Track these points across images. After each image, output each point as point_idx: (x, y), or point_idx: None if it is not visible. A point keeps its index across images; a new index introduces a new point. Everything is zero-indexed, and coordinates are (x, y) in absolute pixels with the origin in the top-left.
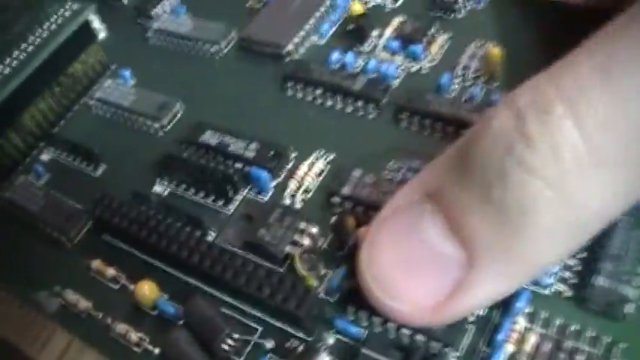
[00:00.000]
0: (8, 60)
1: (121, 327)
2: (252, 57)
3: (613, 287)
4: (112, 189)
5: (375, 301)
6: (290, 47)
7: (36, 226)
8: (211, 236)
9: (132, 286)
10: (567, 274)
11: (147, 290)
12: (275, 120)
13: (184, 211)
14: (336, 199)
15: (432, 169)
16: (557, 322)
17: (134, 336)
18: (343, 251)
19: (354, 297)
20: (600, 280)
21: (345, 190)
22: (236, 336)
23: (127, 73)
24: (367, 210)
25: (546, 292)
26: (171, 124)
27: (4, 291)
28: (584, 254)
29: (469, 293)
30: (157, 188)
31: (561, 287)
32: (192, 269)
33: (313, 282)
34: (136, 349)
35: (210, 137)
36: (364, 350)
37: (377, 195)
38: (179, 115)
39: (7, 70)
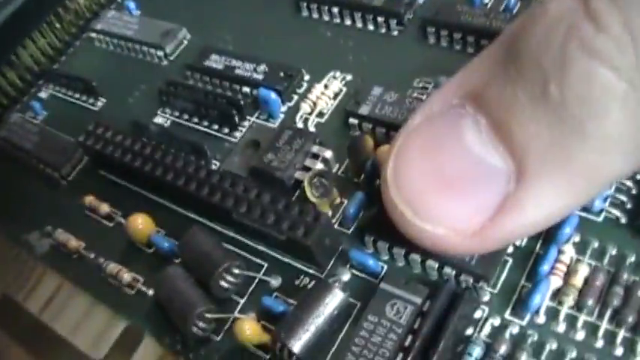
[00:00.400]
0: None
1: (113, 267)
2: None
3: None
4: (112, 122)
5: (404, 225)
6: None
7: (30, 164)
8: (215, 166)
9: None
10: (623, 198)
11: (140, 223)
12: (288, 42)
13: (185, 139)
14: (353, 121)
15: (472, 67)
16: (611, 252)
17: (127, 276)
18: (360, 177)
19: (374, 226)
20: None
21: (364, 110)
22: (237, 272)
23: (132, 3)
24: (389, 131)
25: (598, 218)
26: (176, 52)
27: None
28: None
29: (518, 213)
30: (159, 119)
31: (616, 213)
32: (190, 200)
33: (326, 210)
34: (128, 290)
35: (215, 62)
36: (384, 286)
37: (400, 114)
38: (185, 43)
39: None
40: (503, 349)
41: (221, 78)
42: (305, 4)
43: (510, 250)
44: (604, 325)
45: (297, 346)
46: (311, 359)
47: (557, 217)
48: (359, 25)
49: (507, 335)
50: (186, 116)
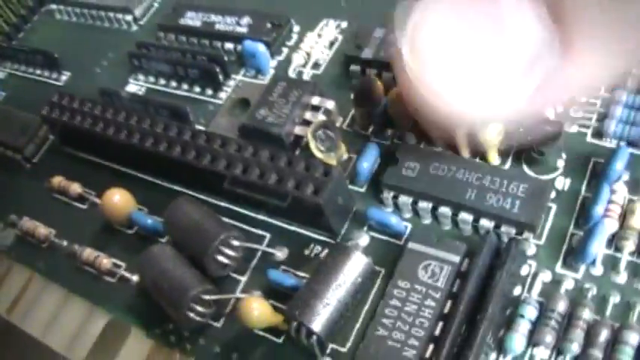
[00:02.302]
0: None
1: (89, 252)
2: None
3: None
4: (79, 95)
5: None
6: None
7: None
8: (192, 123)
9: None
10: None
11: (118, 201)
12: None
13: (163, 102)
14: (355, 68)
15: None
16: None
17: (106, 262)
18: (369, 129)
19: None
20: None
21: (367, 53)
22: (236, 244)
23: None
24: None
25: None
26: (146, 16)
27: None
28: None
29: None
30: (131, 87)
31: None
32: (175, 169)
33: (328, 160)
34: (108, 278)
35: (191, 19)
36: (413, 246)
37: None
38: (155, 5)
39: None
40: (560, 307)
41: (199, 36)
42: None
43: (553, 194)
44: None
45: (316, 323)
46: (333, 338)
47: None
48: None
49: (562, 291)
50: (162, 81)
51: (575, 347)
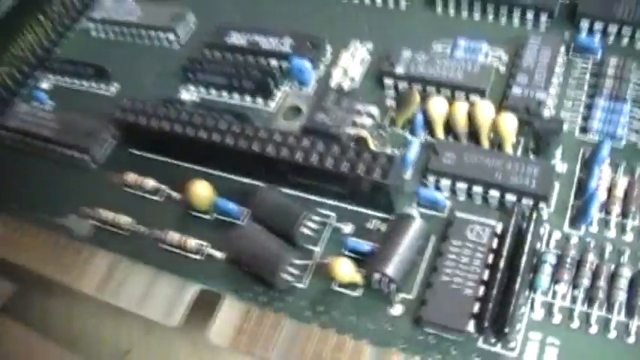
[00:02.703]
0: None
1: (173, 235)
2: None
3: None
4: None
5: None
6: None
7: (52, 151)
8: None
9: (177, 195)
10: (637, 126)
11: (202, 189)
12: (299, 13)
13: (224, 109)
14: (389, 81)
15: None
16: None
17: (191, 242)
18: (414, 131)
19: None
20: None
21: (399, 70)
22: (316, 218)
23: None
24: (425, 87)
25: (621, 144)
26: (187, 36)
27: (28, 222)
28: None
29: None
30: (185, 95)
31: (634, 138)
32: (245, 162)
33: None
34: (196, 256)
35: (237, 38)
36: (460, 215)
37: (435, 72)
38: (193, 26)
39: None
40: (571, 255)
41: (245, 53)
42: None
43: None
44: None
45: (394, 273)
46: (401, 282)
47: None
48: (366, 2)
49: (571, 244)
50: (213, 91)
51: (585, 282)
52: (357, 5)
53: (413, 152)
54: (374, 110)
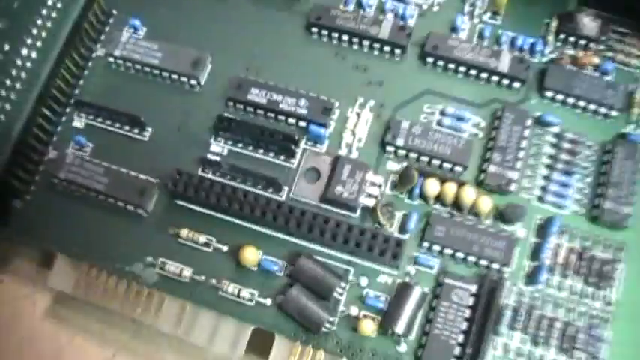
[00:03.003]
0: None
1: (232, 286)
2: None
3: (618, 209)
4: (166, 153)
5: None
6: None
7: (105, 201)
8: (284, 190)
9: (224, 247)
10: (579, 197)
11: (251, 254)
12: (306, 67)
13: (258, 173)
14: (390, 148)
15: None
16: (578, 234)
17: (245, 292)
18: (412, 198)
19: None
20: (607, 204)
21: (400, 142)
22: (343, 284)
23: (137, 22)
24: (419, 157)
25: (566, 212)
26: (204, 79)
27: (97, 268)
28: (589, 180)
29: None
30: (215, 147)
31: (576, 207)
32: (281, 230)
33: (390, 226)
34: (249, 303)
35: (257, 95)
36: (448, 281)
37: (427, 144)
38: (209, 68)
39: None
40: (524, 307)
41: (265, 110)
42: (316, 30)
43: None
44: (578, 284)
45: (402, 328)
46: (407, 333)
47: None
48: (365, 50)
49: (524, 299)
50: (240, 145)
51: (531, 330)
52: (354, 55)
53: (413, 223)
54: (379, 180)
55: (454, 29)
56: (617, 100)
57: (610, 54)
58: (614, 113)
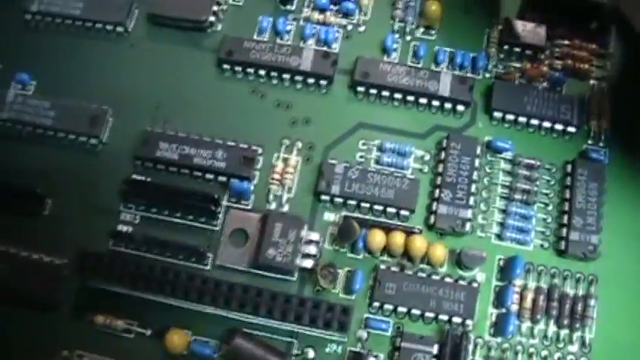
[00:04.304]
0: None
1: None
2: (168, 34)
3: (586, 239)
4: (70, 227)
5: None
6: (211, 18)
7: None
8: (209, 257)
9: (147, 331)
10: (542, 228)
11: (179, 338)
12: (221, 110)
13: (177, 242)
14: (325, 197)
15: None
16: (545, 271)
17: None
18: (355, 252)
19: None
20: (574, 235)
21: (335, 190)
22: None
23: (26, 76)
24: (359, 204)
25: (529, 248)
26: (106, 136)
27: None
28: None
29: None
30: (126, 216)
31: (540, 241)
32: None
33: (333, 287)
34: None
35: (167, 151)
36: (405, 345)
37: (366, 190)
38: (110, 123)
39: None
40: None
41: (179, 167)
42: (229, 67)
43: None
44: (551, 328)
45: None
46: None
47: None
48: (286, 84)
49: (493, 352)
50: (154, 209)
51: None
52: (275, 91)
53: (358, 282)
54: (315, 236)
55: (385, 50)
56: (573, 114)
57: (559, 62)
58: (571, 129)
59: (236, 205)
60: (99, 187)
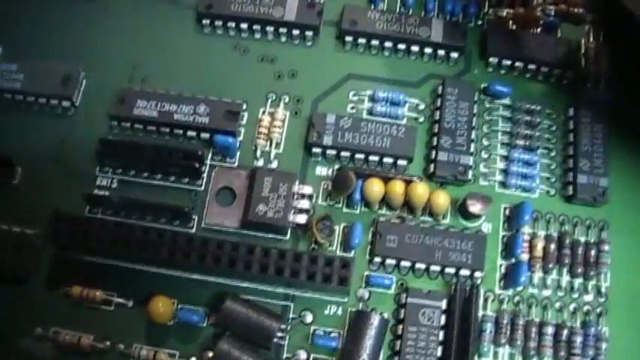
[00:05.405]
0: None
1: (146, 350)
2: None
3: (594, 182)
4: (43, 195)
5: None
6: None
7: None
8: (194, 220)
9: (129, 302)
10: (547, 174)
11: (163, 306)
12: (202, 68)
13: (157, 203)
14: (317, 150)
15: None
16: (554, 219)
17: (163, 355)
18: (352, 207)
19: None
20: (582, 178)
21: (328, 140)
22: (283, 327)
23: None
24: (353, 155)
25: (535, 195)
26: (79, 98)
27: None
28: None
29: None
30: (103, 181)
31: (545, 186)
32: (197, 270)
33: (329, 244)
34: None
35: (145, 109)
36: (411, 300)
37: (361, 138)
38: (83, 84)
39: None
40: (505, 317)
41: (158, 125)
42: (208, 22)
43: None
44: (564, 278)
45: None
46: None
47: None
48: (270, 37)
49: (504, 307)
50: (133, 172)
51: (518, 342)
52: (259, 45)
53: (357, 236)
54: (308, 190)
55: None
56: (570, 58)
57: (552, 7)
58: (569, 73)
59: (221, 164)
60: (72, 152)
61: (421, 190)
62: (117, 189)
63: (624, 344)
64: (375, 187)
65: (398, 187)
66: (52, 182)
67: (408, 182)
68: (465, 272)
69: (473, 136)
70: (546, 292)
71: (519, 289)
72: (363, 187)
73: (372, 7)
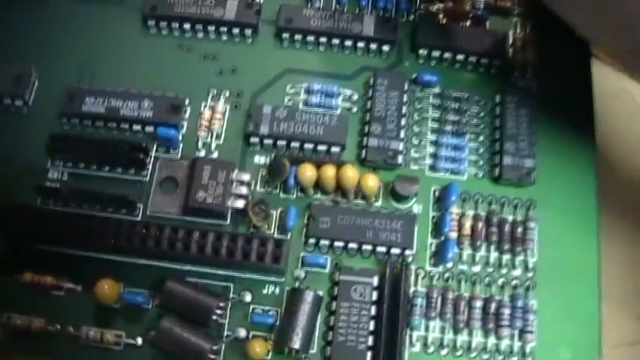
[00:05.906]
0: None
1: (93, 331)
2: None
3: (520, 164)
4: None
5: None
6: None
7: None
8: (139, 209)
9: (78, 287)
10: (475, 157)
11: (109, 289)
12: (147, 66)
13: (103, 193)
14: (255, 139)
15: None
16: (482, 199)
17: (110, 335)
18: (288, 191)
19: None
20: (507, 160)
21: (264, 130)
22: (222, 304)
23: None
24: (289, 143)
25: (463, 177)
26: (31, 97)
27: None
28: (482, 138)
29: None
30: (53, 173)
31: (473, 170)
32: (141, 254)
33: (266, 227)
34: (116, 347)
35: (93, 105)
36: (343, 277)
37: (296, 127)
38: (35, 83)
39: None
40: (435, 291)
41: (107, 121)
42: (153, 22)
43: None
44: (492, 254)
45: (298, 344)
46: (307, 348)
47: None
48: (212, 37)
49: (434, 283)
50: (82, 164)
51: (448, 315)
52: (201, 44)
53: (292, 219)
54: (246, 177)
55: None
56: (498, 48)
57: (481, 0)
58: (496, 62)
59: (165, 155)
60: (25, 149)
61: (351, 172)
62: (67, 181)
63: (551, 315)
64: (308, 172)
65: (330, 171)
66: (5, 177)
67: (339, 166)
68: (395, 250)
69: (403, 123)
70: (475, 269)
71: (449, 265)
72: (296, 173)
73: (309, 5)
